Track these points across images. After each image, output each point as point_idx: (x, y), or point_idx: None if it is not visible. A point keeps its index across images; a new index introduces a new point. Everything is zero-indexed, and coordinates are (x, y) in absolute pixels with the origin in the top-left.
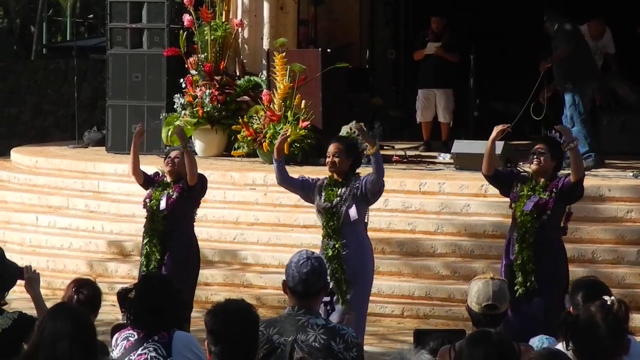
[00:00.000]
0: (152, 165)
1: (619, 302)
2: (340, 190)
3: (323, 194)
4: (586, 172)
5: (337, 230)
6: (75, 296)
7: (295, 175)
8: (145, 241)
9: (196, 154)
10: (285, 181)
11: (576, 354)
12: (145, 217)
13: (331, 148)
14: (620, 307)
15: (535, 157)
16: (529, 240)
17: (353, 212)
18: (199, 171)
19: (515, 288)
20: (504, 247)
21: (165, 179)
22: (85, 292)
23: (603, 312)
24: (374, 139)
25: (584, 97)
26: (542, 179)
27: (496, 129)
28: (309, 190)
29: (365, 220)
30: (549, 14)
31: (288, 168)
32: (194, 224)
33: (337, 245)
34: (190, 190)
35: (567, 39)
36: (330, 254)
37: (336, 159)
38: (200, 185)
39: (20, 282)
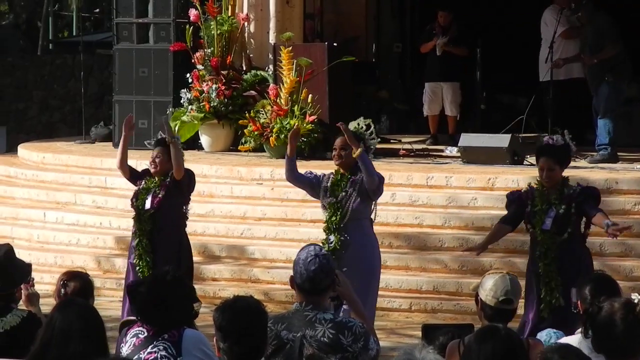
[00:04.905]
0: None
1: None
2: (346, 184)
3: (329, 190)
4: (598, 165)
5: (338, 225)
6: (62, 289)
7: (302, 171)
8: (135, 242)
9: (184, 147)
10: (296, 178)
11: (594, 344)
12: (133, 217)
13: (337, 141)
14: None
15: (544, 173)
16: (551, 256)
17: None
18: (189, 166)
19: (541, 307)
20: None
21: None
22: (72, 285)
23: (624, 311)
24: (358, 141)
25: (621, 92)
26: (555, 190)
27: None
28: (317, 186)
29: (372, 217)
30: (584, 4)
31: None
32: (187, 222)
33: (335, 241)
34: (178, 185)
35: (616, 38)
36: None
37: (342, 152)
38: (188, 179)
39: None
